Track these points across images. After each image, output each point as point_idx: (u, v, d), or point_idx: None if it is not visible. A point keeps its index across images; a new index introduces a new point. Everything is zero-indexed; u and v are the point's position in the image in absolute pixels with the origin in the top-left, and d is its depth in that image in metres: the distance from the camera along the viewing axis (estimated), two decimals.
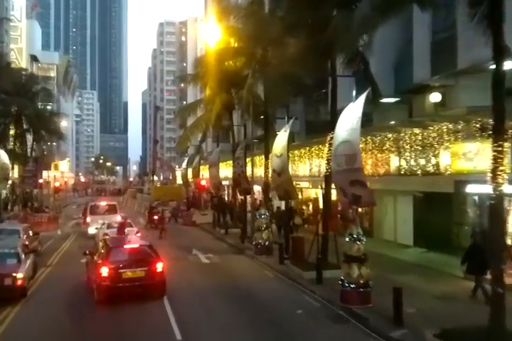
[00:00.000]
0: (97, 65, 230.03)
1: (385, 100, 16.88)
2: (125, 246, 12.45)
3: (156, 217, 27.57)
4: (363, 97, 11.67)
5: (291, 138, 27.29)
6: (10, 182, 34.15)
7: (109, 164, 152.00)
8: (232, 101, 24.44)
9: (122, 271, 11.33)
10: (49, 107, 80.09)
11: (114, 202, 24.66)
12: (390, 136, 15.64)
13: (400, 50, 17.48)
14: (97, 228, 20.46)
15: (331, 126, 15.53)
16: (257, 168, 29.54)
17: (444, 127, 12.73)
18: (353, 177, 11.55)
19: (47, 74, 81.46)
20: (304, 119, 32.55)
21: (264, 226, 17.53)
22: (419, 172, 14.44)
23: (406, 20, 15.82)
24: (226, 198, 36.80)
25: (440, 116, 13.28)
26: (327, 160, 13.72)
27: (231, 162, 39.23)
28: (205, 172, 41.26)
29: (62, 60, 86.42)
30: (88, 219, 22.79)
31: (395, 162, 16.08)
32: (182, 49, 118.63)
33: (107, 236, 15.26)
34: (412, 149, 14.27)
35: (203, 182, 30.91)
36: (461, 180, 13.16)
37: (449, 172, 13.17)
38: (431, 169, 13.83)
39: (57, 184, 28.61)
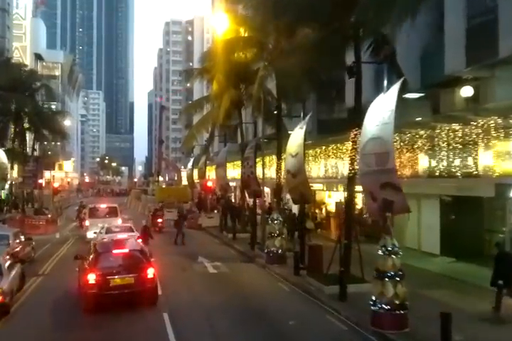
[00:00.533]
0: (103, 65, 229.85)
1: (406, 95, 15.33)
2: (114, 251, 11.66)
3: (160, 220, 26.08)
4: (396, 87, 10.10)
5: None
6: (8, 182, 32.84)
7: (114, 164, 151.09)
8: (241, 98, 22.94)
9: (110, 277, 10.68)
10: (53, 106, 79.71)
11: (115, 204, 23.14)
12: (422, 132, 14.01)
13: (428, 39, 15.85)
14: (95, 232, 18.97)
15: (349, 123, 14.05)
16: (267, 169, 28.04)
17: (492, 122, 11.09)
18: (384, 179, 9.97)
19: (51, 73, 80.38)
20: (316, 118, 31.08)
21: (277, 232, 15.96)
22: (453, 173, 12.83)
23: (435, 4, 14.22)
24: (233, 200, 35.31)
25: (484, 110, 11.66)
26: (350, 159, 12.17)
27: (238, 162, 37.69)
28: (211, 173, 39.82)
29: (66, 59, 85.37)
30: (87, 223, 21.30)
31: (424, 162, 14.46)
32: (188, 48, 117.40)
33: (97, 241, 13.92)
34: (450, 148, 12.66)
35: (210, 184, 29.41)
36: (505, 183, 11.54)
37: (489, 174, 11.51)
38: (468, 170, 12.18)
39: (56, 184, 27.18)
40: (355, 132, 12.29)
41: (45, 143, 79.80)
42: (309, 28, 14.08)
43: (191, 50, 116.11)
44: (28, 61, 64.52)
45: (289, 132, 23.41)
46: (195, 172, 42.09)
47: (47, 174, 77.78)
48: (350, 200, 12.50)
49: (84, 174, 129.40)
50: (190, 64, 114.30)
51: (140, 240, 17.19)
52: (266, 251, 16.11)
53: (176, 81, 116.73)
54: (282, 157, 18.73)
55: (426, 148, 13.80)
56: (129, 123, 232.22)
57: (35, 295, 12.51)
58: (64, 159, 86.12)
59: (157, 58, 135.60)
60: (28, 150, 35.07)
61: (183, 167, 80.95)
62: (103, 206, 22.14)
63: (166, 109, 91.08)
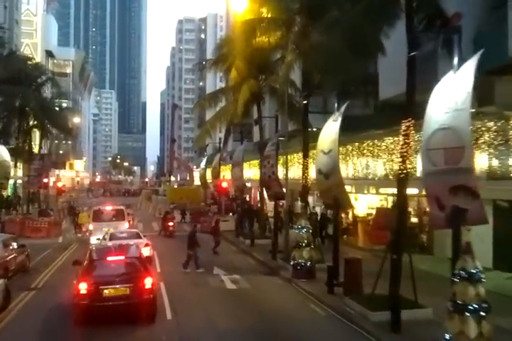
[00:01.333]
0: (116, 64, 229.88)
1: None
2: (108, 259, 10.70)
3: (171, 224, 24.03)
4: (472, 63, 7.88)
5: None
6: (12, 181, 31.12)
7: (126, 164, 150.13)
8: (260, 90, 20.82)
9: (103, 287, 9.66)
10: (64, 104, 78.49)
11: (122, 206, 21.11)
12: (490, 124, 11.71)
13: (485, 17, 13.54)
14: (98, 239, 16.97)
15: (386, 114, 11.78)
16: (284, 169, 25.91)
17: None
18: (456, 181, 7.78)
19: (62, 71, 79.31)
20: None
21: (306, 241, 13.76)
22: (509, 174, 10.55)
23: None
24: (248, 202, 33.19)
25: None
26: (401, 157, 9.94)
27: (254, 162, 35.77)
28: (225, 173, 37.76)
29: (78, 56, 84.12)
30: (90, 227, 19.32)
31: (483, 161, 12.17)
32: (201, 47, 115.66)
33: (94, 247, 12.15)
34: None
35: (224, 184, 27.32)
36: None
37: None
38: None
39: (60, 184, 25.32)
40: (407, 123, 10.05)
41: (56, 141, 79.25)
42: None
43: (204, 48, 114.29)
44: (38, 58, 63.16)
45: (313, 129, 21.39)
46: (208, 172, 40.09)
47: (56, 173, 76.81)
48: (402, 206, 10.24)
49: (96, 173, 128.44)
50: (203, 63, 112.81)
51: (147, 248, 15.18)
52: (292, 263, 13.92)
53: (189, 79, 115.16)
54: (310, 155, 16.59)
55: (495, 143, 11.47)
56: (142, 122, 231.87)
57: (21, 316, 10.50)
58: (75, 158, 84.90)
59: (170, 57, 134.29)
60: (35, 148, 33.33)
61: (195, 167, 79.22)
62: (108, 208, 20.14)
63: (178, 107, 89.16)
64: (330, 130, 13.09)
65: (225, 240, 23.75)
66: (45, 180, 28.34)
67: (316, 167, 13.55)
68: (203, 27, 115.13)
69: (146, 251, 15.31)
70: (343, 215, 23.25)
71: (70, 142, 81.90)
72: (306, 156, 16.01)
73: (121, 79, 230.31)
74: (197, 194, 36.91)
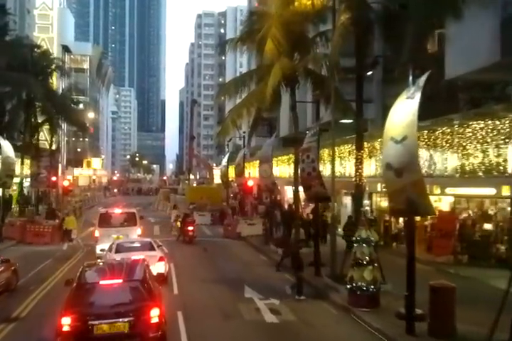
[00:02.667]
0: (135, 63, 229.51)
1: None
2: (102, 283, 7.95)
3: (190, 228, 20.94)
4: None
5: (363, 129, 20.61)
6: (18, 179, 28.52)
7: (145, 162, 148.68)
8: (294, 71, 17.57)
9: (94, 322, 7.27)
10: (81, 100, 76.46)
11: (133, 209, 18.05)
12: None
13: None
14: (102, 250, 13.96)
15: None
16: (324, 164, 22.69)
17: None
18: None
19: (79, 66, 77.37)
20: (381, 103, 25.66)
21: (367, 259, 10.47)
22: None
23: None
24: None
25: None
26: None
27: (284, 158, 32.55)
28: (250, 170, 34.62)
29: (95, 51, 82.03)
30: (96, 233, 16.35)
31: None
32: (221, 41, 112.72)
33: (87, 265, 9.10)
34: None
35: (250, 183, 24.15)
36: None
37: None
38: None
39: (65, 183, 22.49)
40: None
41: (73, 138, 77.41)
42: None
43: (223, 43, 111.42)
44: (55, 53, 61.07)
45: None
46: (231, 169, 37.00)
47: (75, 171, 74.91)
48: None
49: (115, 172, 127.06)
50: (223, 58, 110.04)
51: (161, 264, 12.09)
52: (349, 286, 10.62)
53: (208, 75, 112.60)
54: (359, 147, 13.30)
55: None
56: (161, 121, 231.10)
57: None
58: (92, 156, 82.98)
59: (188, 53, 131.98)
60: (46, 144, 30.78)
61: (215, 165, 76.43)
62: (117, 211, 17.11)
63: (197, 103, 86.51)
64: (404, 110, 9.73)
65: (252, 247, 20.65)
66: (54, 179, 25.60)
67: (384, 161, 10.20)
68: (223, 21, 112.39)
69: (159, 267, 12.26)
70: (392, 219, 19.95)
71: (87, 139, 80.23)
72: (360, 148, 12.73)
73: (141, 78, 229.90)
74: (218, 193, 33.83)
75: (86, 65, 78.40)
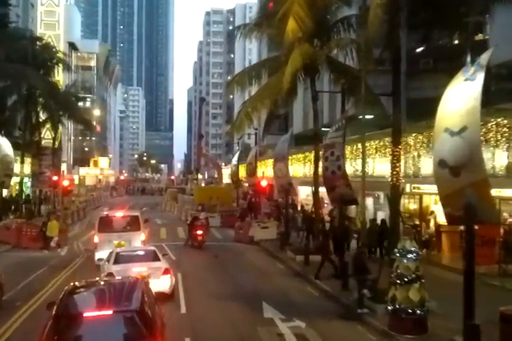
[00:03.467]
0: (143, 62, 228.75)
1: None
2: (86, 315, 5.92)
3: (200, 232, 19.25)
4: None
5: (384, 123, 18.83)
6: (18, 179, 27.08)
7: (153, 162, 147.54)
8: (315, 59, 15.88)
9: None
10: (88, 99, 75.19)
11: (136, 212, 16.28)
12: None
13: None
14: (99, 259, 12.29)
15: None
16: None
17: None
18: None
19: (86, 64, 76.19)
20: (405, 96, 23.85)
21: (413, 275, 8.70)
22: None
23: None
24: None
25: None
26: None
27: (299, 156, 30.73)
28: (262, 169, 32.92)
29: (102, 49, 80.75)
30: (96, 239, 14.71)
31: None
32: (229, 39, 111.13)
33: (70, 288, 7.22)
34: None
35: (264, 183, 22.44)
36: None
37: None
38: None
39: (65, 183, 20.92)
40: None
41: (80, 137, 76.13)
42: None
43: (232, 41, 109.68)
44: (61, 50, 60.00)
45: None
46: (242, 168, 35.33)
47: (82, 170, 73.60)
48: None
49: (123, 171, 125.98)
50: (232, 56, 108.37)
51: (166, 278, 10.41)
52: (391, 308, 8.85)
53: (217, 73, 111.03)
54: (397, 141, 11.48)
55: None
56: (169, 120, 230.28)
57: None
58: (99, 155, 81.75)
59: (197, 51, 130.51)
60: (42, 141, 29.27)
61: (223, 164, 74.80)
62: (119, 215, 15.44)
63: (205, 101, 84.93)
64: (462, 95, 7.96)
65: (267, 253, 18.90)
66: (55, 178, 24.09)
67: (436, 157, 8.43)
68: (232, 19, 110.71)
69: (164, 282, 10.57)
70: (417, 222, 18.11)
71: (94, 138, 78.95)
72: (397, 143, 10.95)
73: (149, 77, 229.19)
74: (228, 194, 32.15)
75: (93, 63, 77.17)
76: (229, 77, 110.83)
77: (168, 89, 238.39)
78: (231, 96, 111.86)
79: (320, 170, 16.90)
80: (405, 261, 8.79)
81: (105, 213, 15.40)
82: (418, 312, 8.63)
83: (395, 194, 10.87)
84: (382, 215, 19.81)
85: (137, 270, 10.54)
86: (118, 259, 11.02)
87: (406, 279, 8.72)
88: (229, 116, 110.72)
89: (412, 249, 8.86)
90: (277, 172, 20.32)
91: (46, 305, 7.21)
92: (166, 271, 10.71)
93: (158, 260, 11.20)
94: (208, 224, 21.33)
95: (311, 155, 25.09)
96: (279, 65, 16.54)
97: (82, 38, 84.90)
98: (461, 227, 16.38)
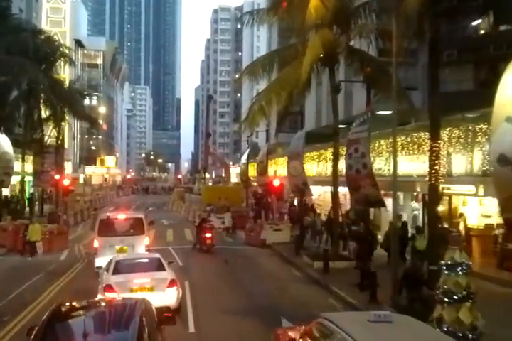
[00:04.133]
0: (150, 61, 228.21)
1: None
2: None
3: (208, 235, 17.95)
4: None
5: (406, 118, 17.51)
6: (19, 177, 25.97)
7: (160, 161, 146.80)
8: (335, 47, 14.54)
9: None
10: (94, 97, 74.21)
11: (140, 213, 14.93)
12: None
13: None
14: (98, 268, 11.01)
15: None
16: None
17: None
18: None
19: (93, 62, 75.31)
20: (428, 90, 22.41)
21: (464, 293, 7.32)
22: None
23: None
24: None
25: None
26: None
27: (313, 154, 29.26)
28: (273, 168, 31.57)
29: (109, 46, 79.78)
30: (96, 244, 13.46)
31: None
32: (237, 37, 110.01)
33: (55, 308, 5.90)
34: None
35: (276, 182, 21.13)
36: None
37: None
38: None
39: (66, 182, 19.72)
40: None
41: (86, 136, 75.19)
42: None
43: (240, 38, 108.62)
44: (67, 50, 59.05)
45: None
46: (251, 167, 34.07)
47: (88, 169, 72.69)
48: None
49: (130, 170, 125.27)
50: (239, 53, 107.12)
51: (172, 290, 9.12)
52: (437, 330, 7.47)
53: (224, 71, 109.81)
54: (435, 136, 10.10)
55: None
56: (176, 119, 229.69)
57: None
58: (106, 154, 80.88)
59: (204, 50, 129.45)
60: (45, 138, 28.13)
61: (231, 163, 73.54)
62: (121, 217, 14.14)
63: (213, 99, 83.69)
64: None
65: (281, 258, 17.55)
66: (57, 177, 22.93)
67: (494, 151, 7.06)
68: (239, 16, 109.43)
69: (170, 296, 9.28)
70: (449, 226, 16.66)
71: (100, 137, 78.06)
72: (436, 138, 9.57)
73: (156, 76, 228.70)
74: (238, 194, 30.83)
75: (99, 61, 76.28)
76: (237, 75, 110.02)
77: (176, 88, 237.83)
78: (238, 95, 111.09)
79: (340, 168, 15.59)
80: (454, 275, 7.42)
81: (106, 215, 14.12)
82: (470, 336, 7.26)
83: (433, 196, 9.49)
84: (403, 217, 18.44)
85: (139, 281, 9.26)
86: (118, 269, 9.73)
87: (455, 297, 7.34)
88: (237, 115, 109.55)
89: (463, 261, 7.48)
90: (291, 170, 18.98)
91: (27, 330, 5.94)
92: (171, 283, 9.40)
93: (164, 269, 9.89)
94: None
95: (327, 153, 23.75)
96: (295, 54, 15.23)
97: (89, 36, 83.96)
98: (496, 231, 15.12)
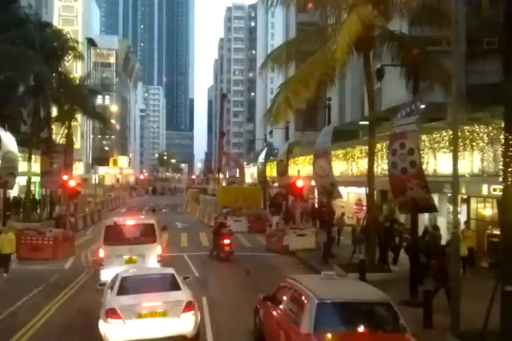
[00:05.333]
0: (164, 62, 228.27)
1: None
2: None
3: (227, 242, 16.24)
4: None
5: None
6: (25, 178, 24.63)
7: (173, 161, 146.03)
8: (372, 29, 12.77)
9: None
10: (107, 97, 73.20)
11: (152, 219, 13.21)
12: None
13: None
14: (101, 285, 9.32)
15: None
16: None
17: None
18: None
19: (105, 61, 74.36)
20: (464, 82, 20.45)
21: None
22: None
23: None
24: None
25: None
26: None
27: (338, 153, 27.41)
28: (293, 167, 29.81)
29: (121, 45, 78.75)
30: (101, 253, 11.85)
31: None
32: (251, 35, 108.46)
33: None
34: None
35: (300, 183, 19.36)
36: None
37: None
38: None
39: (72, 183, 18.26)
40: None
41: (99, 136, 74.26)
42: None
43: (254, 37, 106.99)
44: (79, 47, 58.01)
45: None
46: (268, 167, 32.35)
47: (101, 170, 71.65)
48: None
49: (143, 170, 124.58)
50: (253, 52, 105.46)
51: (189, 316, 7.45)
52: None
53: (238, 70, 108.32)
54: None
55: None
56: (189, 119, 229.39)
57: None
58: (119, 154, 79.92)
59: (217, 49, 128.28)
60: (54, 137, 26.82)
61: (245, 163, 71.93)
62: (130, 223, 12.46)
63: (227, 97, 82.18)
64: None
65: (308, 268, 15.73)
66: (65, 178, 21.51)
67: None
68: (253, 14, 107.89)
69: (186, 322, 7.62)
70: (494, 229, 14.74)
71: (113, 137, 77.06)
72: None
73: (170, 77, 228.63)
74: (256, 195, 29.10)
75: (112, 60, 75.29)
76: (250, 74, 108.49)
77: (189, 89, 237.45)
78: (252, 94, 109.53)
79: (377, 167, 13.78)
80: None
81: (113, 220, 12.49)
82: None
83: (508, 198, 7.64)
84: (442, 223, 16.56)
85: (149, 305, 7.59)
86: (123, 287, 8.07)
87: None
88: (251, 114, 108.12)
89: None
90: (318, 170, 17.15)
91: None
92: (188, 306, 7.69)
93: (178, 288, 8.18)
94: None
95: (355, 151, 21.95)
96: (324, 37, 13.50)
97: (102, 35, 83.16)
98: None
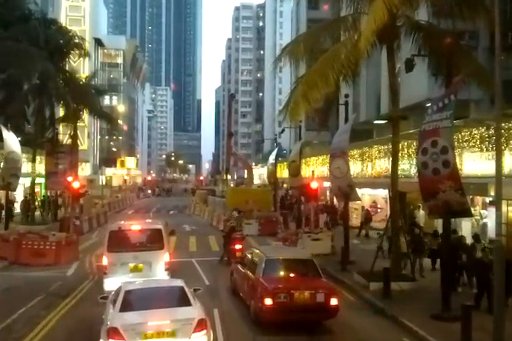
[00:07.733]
0: (171, 62, 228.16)
1: None
2: None
3: (239, 247, 15.31)
4: None
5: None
6: (29, 179, 23.91)
7: (181, 162, 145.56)
8: (394, 22, 11.81)
9: None
10: (115, 97, 72.65)
11: (159, 224, 12.29)
12: None
13: None
14: (104, 297, 8.38)
15: None
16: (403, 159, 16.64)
17: None
18: None
19: (113, 61, 73.90)
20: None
21: None
22: None
23: None
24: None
25: None
26: None
27: (354, 153, 26.37)
28: (305, 168, 28.86)
29: (129, 45, 78.26)
30: (105, 261, 10.97)
31: None
32: (259, 35, 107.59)
33: None
34: None
35: (314, 184, 18.40)
36: None
37: None
38: None
39: (76, 185, 17.49)
40: None
41: (107, 137, 73.72)
42: None
43: (262, 36, 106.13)
44: (87, 47, 57.52)
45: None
46: (280, 168, 31.40)
47: (108, 171, 71.12)
48: None
49: (151, 171, 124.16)
50: (261, 52, 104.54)
51: (200, 335, 6.49)
52: None
53: (246, 71, 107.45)
54: None
55: None
56: (197, 120, 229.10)
57: None
58: (127, 155, 79.39)
59: (225, 49, 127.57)
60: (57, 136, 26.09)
61: (253, 164, 71.04)
62: (135, 228, 11.56)
63: (235, 97, 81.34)
64: None
65: (324, 275, 14.72)
66: (70, 179, 20.76)
67: None
68: (261, 14, 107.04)
69: None
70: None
71: (121, 138, 76.53)
72: None
73: (177, 78, 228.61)
74: (267, 196, 28.14)
75: (120, 60, 74.83)
76: (258, 74, 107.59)
77: (196, 90, 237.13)
78: (260, 94, 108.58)
79: (400, 167, 12.80)
80: None
81: (117, 225, 11.62)
82: None
83: None
84: (466, 227, 15.52)
85: (155, 323, 6.68)
86: (127, 302, 7.17)
87: None
88: (259, 114, 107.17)
89: None
90: (334, 171, 16.18)
91: None
92: (200, 325, 6.76)
93: (189, 304, 7.25)
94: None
95: (372, 151, 20.96)
96: (345, 27, 12.56)
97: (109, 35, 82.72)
98: None
